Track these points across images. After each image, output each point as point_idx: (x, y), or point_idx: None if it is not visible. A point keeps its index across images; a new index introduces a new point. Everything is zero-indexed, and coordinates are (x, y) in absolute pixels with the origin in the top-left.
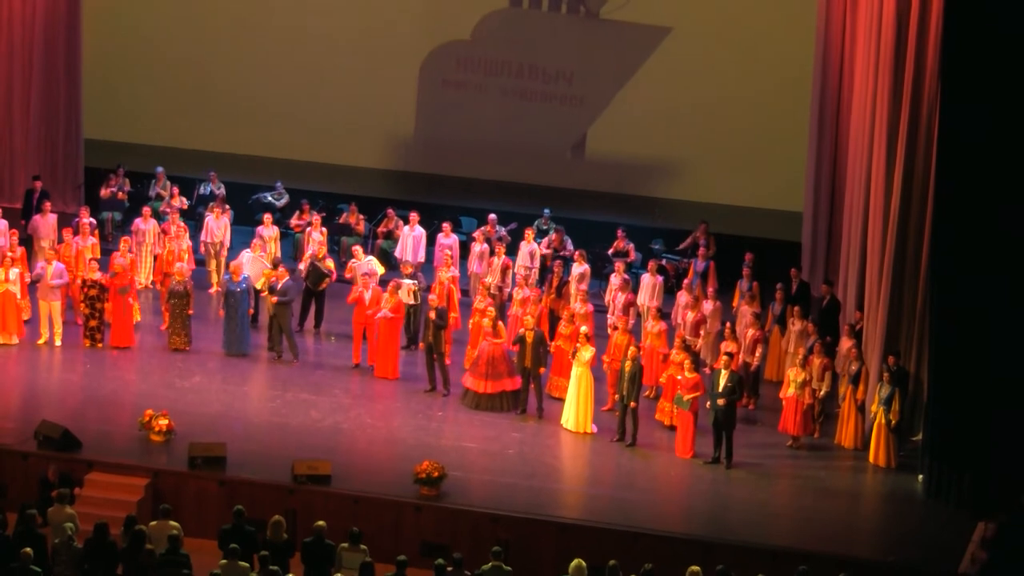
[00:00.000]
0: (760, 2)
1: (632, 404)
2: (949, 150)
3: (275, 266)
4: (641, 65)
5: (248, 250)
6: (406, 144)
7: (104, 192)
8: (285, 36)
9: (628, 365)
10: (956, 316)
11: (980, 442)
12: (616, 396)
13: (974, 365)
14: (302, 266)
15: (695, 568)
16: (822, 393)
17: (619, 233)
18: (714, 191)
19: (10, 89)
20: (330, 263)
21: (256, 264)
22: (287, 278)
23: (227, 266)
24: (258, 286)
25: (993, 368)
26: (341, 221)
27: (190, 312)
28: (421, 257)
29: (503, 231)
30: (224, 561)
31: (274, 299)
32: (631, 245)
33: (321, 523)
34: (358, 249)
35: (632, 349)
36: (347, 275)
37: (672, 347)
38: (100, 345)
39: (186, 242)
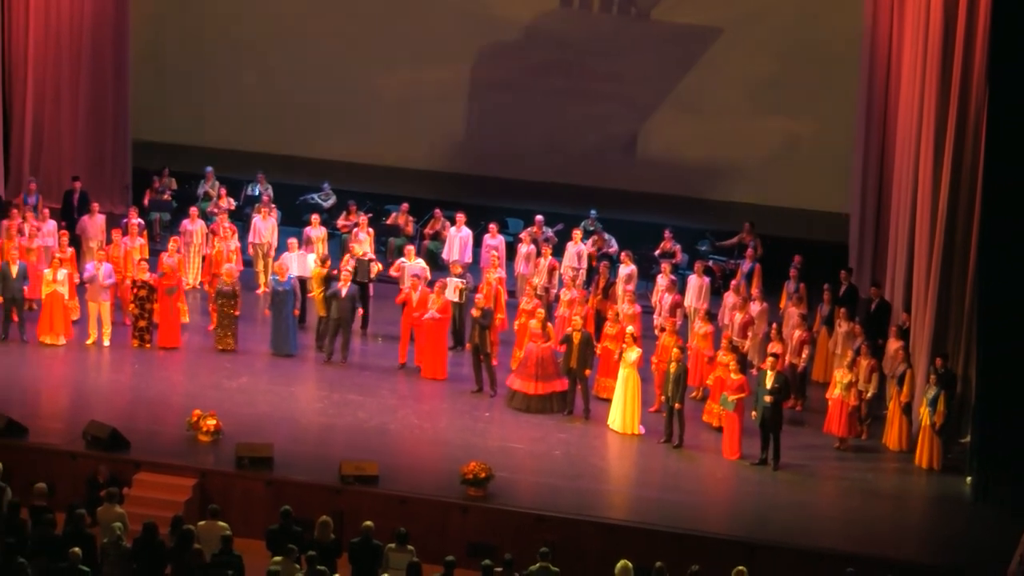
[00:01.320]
0: (808, 3)
1: (677, 405)
2: (997, 149)
3: (323, 262)
4: (691, 66)
5: (287, 252)
6: (455, 145)
7: (148, 196)
8: (334, 37)
9: (673, 367)
10: (1004, 317)
11: None
12: (663, 397)
13: (1023, 366)
14: (349, 268)
15: (741, 568)
16: (869, 395)
17: (666, 234)
18: (761, 192)
19: (58, 91)
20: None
21: (302, 261)
22: (351, 282)
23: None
24: (312, 274)
25: None
26: (389, 222)
27: (236, 313)
28: (468, 258)
29: (550, 232)
30: (280, 559)
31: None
32: (678, 246)
33: (369, 523)
34: (411, 249)
35: (676, 351)
36: (395, 273)
37: (719, 348)
38: (148, 345)
39: (234, 243)
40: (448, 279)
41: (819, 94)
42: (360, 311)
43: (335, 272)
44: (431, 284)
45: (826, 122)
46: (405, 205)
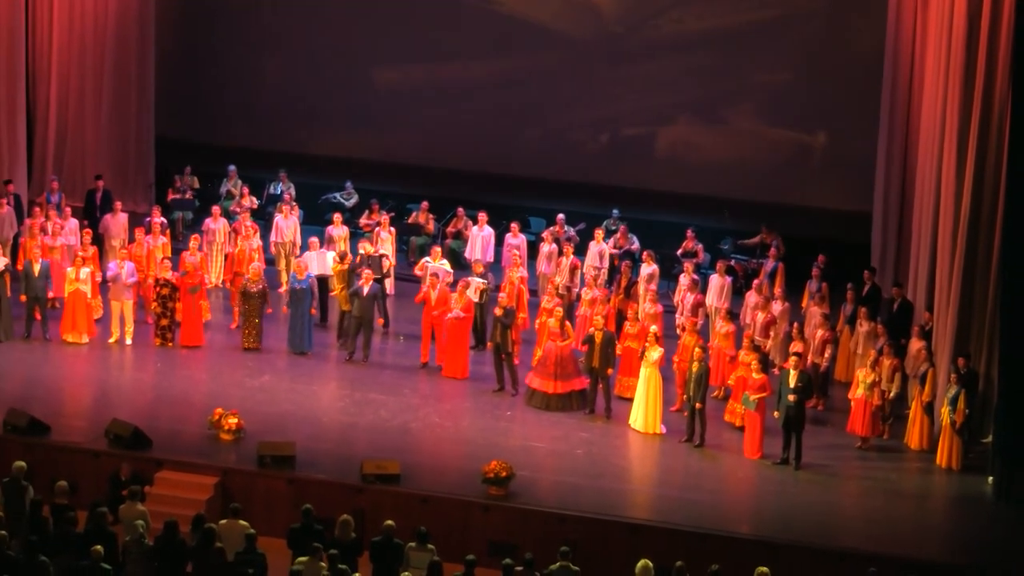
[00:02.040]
0: (830, 2)
1: (699, 405)
2: (1021, 148)
3: (341, 258)
4: (713, 65)
5: (308, 251)
6: (476, 144)
7: (170, 195)
8: (357, 35)
9: (695, 366)
10: None
11: None
12: (684, 397)
13: None
14: (361, 269)
15: (763, 569)
16: (892, 394)
17: (688, 233)
18: (782, 192)
19: (82, 89)
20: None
21: (322, 259)
22: (373, 280)
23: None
24: (330, 269)
25: None
26: (410, 220)
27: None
28: (489, 257)
29: (571, 231)
30: (303, 560)
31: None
32: (700, 246)
33: (390, 522)
34: (437, 250)
35: (698, 350)
36: (419, 272)
37: (740, 348)
38: (171, 344)
39: (257, 241)
40: (471, 278)
41: (841, 91)
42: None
43: (358, 269)
44: (453, 284)
45: (850, 121)
46: (425, 203)
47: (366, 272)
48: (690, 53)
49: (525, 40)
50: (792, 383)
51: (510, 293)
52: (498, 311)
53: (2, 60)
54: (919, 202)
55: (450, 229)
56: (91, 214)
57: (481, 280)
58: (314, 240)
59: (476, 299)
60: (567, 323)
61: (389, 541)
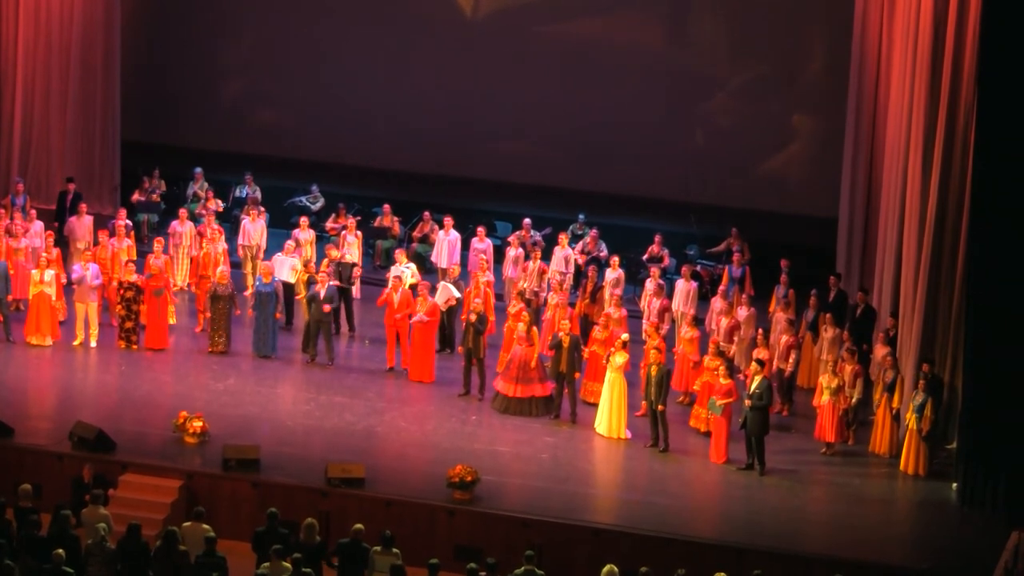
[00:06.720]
0: (797, 5)
1: (660, 407)
2: (986, 154)
3: (304, 264)
4: (678, 69)
5: (279, 253)
6: (440, 146)
7: (136, 196)
8: (319, 39)
9: (654, 369)
10: (992, 322)
11: (1015, 450)
12: (645, 401)
13: (1010, 372)
14: (327, 271)
15: (722, 574)
16: (854, 400)
17: (656, 238)
18: (750, 197)
19: (48, 90)
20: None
21: (287, 265)
22: (329, 283)
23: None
24: (292, 279)
25: None
26: (376, 224)
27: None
28: (456, 260)
29: (538, 235)
30: (267, 564)
31: (327, 307)
32: (666, 251)
33: (359, 526)
34: (401, 253)
35: (654, 352)
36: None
37: (705, 353)
38: (135, 347)
39: (222, 244)
40: (444, 284)
41: (807, 96)
42: (327, 307)
43: (318, 274)
44: (432, 290)
45: (816, 126)
46: (387, 206)
47: (321, 275)
48: (653, 54)
49: (484, 44)
50: (751, 389)
51: (482, 298)
52: (472, 316)
53: None
54: (885, 208)
55: (416, 233)
56: (62, 216)
57: (455, 291)
58: (289, 243)
59: (443, 307)
60: (534, 329)
61: (357, 545)
